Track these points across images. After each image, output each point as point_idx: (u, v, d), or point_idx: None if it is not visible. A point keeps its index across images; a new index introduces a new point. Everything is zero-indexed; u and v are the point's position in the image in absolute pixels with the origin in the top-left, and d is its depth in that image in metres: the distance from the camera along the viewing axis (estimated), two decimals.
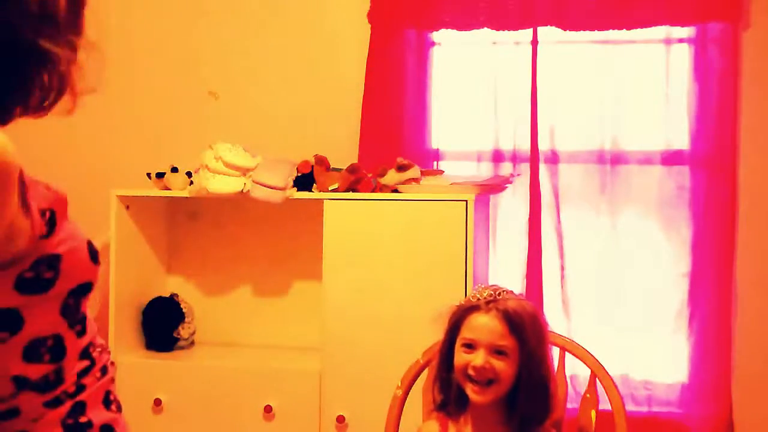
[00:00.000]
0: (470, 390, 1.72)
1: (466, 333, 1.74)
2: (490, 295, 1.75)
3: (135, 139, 3.24)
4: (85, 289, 1.02)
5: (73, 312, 1.01)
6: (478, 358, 1.70)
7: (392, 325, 2.62)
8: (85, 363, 1.06)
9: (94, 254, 1.04)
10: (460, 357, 1.74)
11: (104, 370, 1.09)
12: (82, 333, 1.05)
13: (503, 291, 1.77)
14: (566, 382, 2.07)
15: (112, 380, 1.11)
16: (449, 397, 1.79)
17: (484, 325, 1.72)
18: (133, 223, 2.94)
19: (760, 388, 2.90)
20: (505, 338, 1.70)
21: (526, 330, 1.71)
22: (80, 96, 0.90)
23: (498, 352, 1.70)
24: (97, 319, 3.03)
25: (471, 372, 1.71)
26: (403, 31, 3.03)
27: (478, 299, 1.76)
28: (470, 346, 1.73)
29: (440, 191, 2.69)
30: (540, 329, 1.76)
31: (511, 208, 3.01)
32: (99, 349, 1.09)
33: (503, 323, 1.71)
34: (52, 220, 0.95)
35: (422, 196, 2.67)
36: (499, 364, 1.70)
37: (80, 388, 1.04)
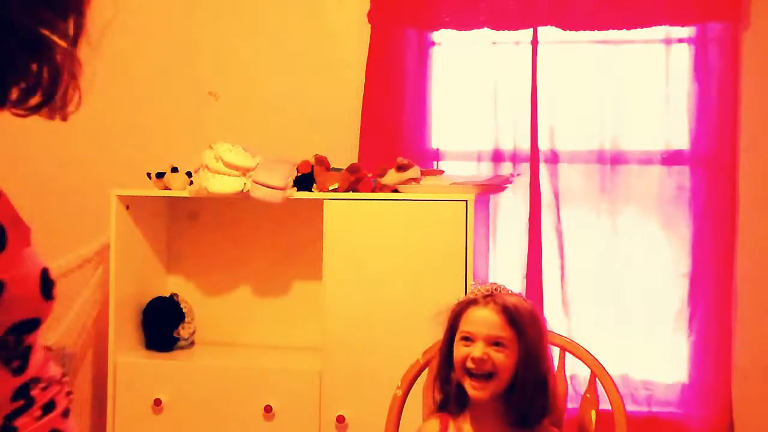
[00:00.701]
0: (469, 386, 1.72)
1: (464, 327, 1.75)
2: (488, 290, 1.76)
3: (135, 139, 3.24)
4: (30, 325, 0.86)
5: (10, 348, 0.85)
6: (477, 349, 1.71)
7: (392, 325, 2.62)
8: (19, 403, 0.88)
9: (47, 287, 0.87)
10: (459, 350, 1.74)
11: (49, 407, 0.92)
12: (20, 370, 0.88)
13: (501, 287, 1.78)
14: (566, 381, 2.07)
15: (63, 415, 0.94)
16: (449, 395, 1.79)
17: (482, 318, 1.73)
18: (133, 223, 2.94)
19: (760, 388, 2.90)
20: (503, 330, 1.71)
21: (524, 323, 1.72)
22: (73, 102, 0.78)
23: (496, 344, 1.71)
24: (97, 319, 3.05)
25: (470, 365, 1.71)
26: (403, 31, 3.03)
27: (476, 294, 1.77)
28: (469, 339, 1.73)
29: (440, 191, 2.69)
30: (538, 325, 1.76)
31: (511, 208, 3.01)
32: (44, 385, 0.92)
33: (501, 316, 1.72)
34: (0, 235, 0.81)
35: (422, 196, 2.67)
36: (497, 356, 1.70)
37: (10, 431, 0.87)
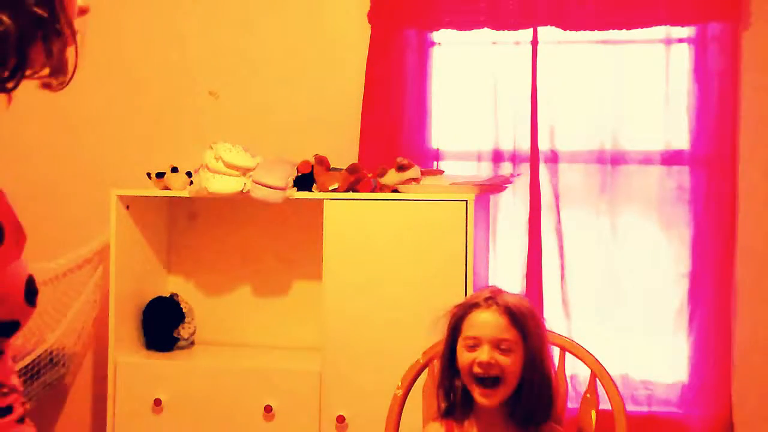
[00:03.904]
0: (477, 394, 1.71)
1: (468, 332, 1.73)
2: (488, 292, 1.76)
3: (135, 139, 3.24)
4: (9, 328, 0.89)
5: None
6: (483, 353, 1.69)
7: (392, 325, 2.62)
8: None
9: (31, 294, 0.91)
10: (464, 356, 1.73)
11: (6, 411, 0.96)
12: None
13: (500, 289, 1.78)
14: (566, 382, 2.07)
15: (18, 420, 0.98)
16: (454, 401, 1.77)
17: (486, 321, 1.72)
18: (133, 223, 2.94)
19: (760, 389, 2.90)
20: (507, 332, 1.70)
21: (527, 323, 1.71)
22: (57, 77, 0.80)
23: (501, 347, 1.70)
24: (97, 319, 3.05)
25: (477, 370, 1.70)
26: (403, 31, 3.03)
27: (477, 297, 1.76)
28: (474, 344, 1.72)
29: (440, 191, 2.69)
30: (539, 323, 1.76)
31: (511, 208, 3.01)
32: (5, 391, 0.96)
33: (505, 317, 1.71)
34: None
35: (422, 196, 2.67)
36: (503, 360, 1.69)
37: None
